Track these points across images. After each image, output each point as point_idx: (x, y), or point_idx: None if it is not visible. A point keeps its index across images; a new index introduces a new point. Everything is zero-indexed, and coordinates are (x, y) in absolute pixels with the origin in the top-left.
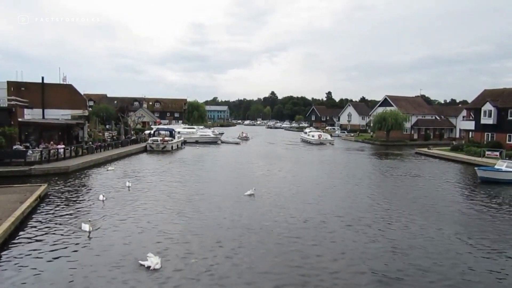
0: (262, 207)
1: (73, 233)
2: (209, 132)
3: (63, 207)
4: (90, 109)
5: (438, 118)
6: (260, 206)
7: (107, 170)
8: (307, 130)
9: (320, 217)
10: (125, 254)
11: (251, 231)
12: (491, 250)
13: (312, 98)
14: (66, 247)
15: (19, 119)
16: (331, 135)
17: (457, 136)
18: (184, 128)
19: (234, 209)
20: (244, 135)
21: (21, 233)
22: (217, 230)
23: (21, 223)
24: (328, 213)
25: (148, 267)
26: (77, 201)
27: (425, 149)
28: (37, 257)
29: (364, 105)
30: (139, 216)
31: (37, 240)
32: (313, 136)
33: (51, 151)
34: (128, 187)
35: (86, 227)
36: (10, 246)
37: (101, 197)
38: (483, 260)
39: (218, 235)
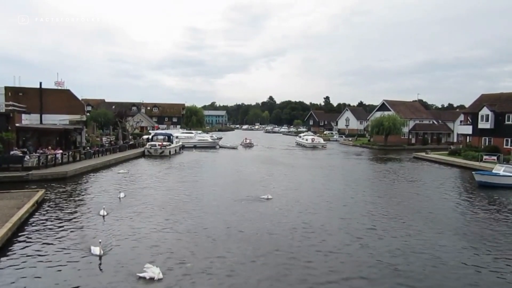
0: (262, 214)
1: (71, 241)
2: (207, 137)
3: (60, 213)
4: (88, 114)
5: (435, 122)
6: (260, 213)
7: (118, 173)
8: (301, 134)
9: (320, 224)
10: (126, 266)
11: (251, 240)
12: (490, 255)
13: (310, 103)
14: (64, 256)
15: (17, 124)
16: (329, 139)
17: (455, 140)
18: (183, 133)
19: (237, 216)
20: (247, 141)
21: (18, 239)
22: (218, 238)
23: (18, 229)
24: (328, 219)
25: (151, 278)
26: (75, 207)
27: (423, 154)
28: (35, 266)
29: (362, 110)
30: (142, 229)
31: (34, 248)
32: (306, 140)
33: (49, 156)
34: (120, 198)
35: (96, 250)
36: (7, 252)
37: (101, 212)
38: (482, 265)
39: (219, 243)
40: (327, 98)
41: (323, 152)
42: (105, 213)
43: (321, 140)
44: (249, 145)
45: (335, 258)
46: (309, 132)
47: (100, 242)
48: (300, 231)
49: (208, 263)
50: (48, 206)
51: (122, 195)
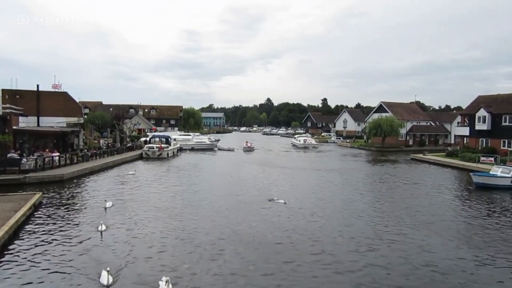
0: (265, 220)
1: (68, 242)
2: (205, 139)
3: (58, 217)
4: (86, 116)
5: (433, 124)
6: (263, 219)
7: (128, 173)
8: (296, 136)
9: (319, 227)
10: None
11: (257, 248)
12: (489, 258)
13: (308, 105)
14: (62, 260)
15: (14, 127)
16: (326, 141)
17: (452, 142)
18: (180, 135)
19: (241, 224)
20: (248, 145)
21: (15, 243)
22: (223, 248)
23: (15, 233)
24: (327, 223)
25: None
26: (72, 210)
27: (421, 155)
28: (32, 270)
29: (359, 112)
30: (143, 243)
31: (31, 251)
32: (299, 141)
33: (46, 159)
34: (106, 208)
35: (104, 277)
36: (4, 256)
37: (100, 227)
38: (479, 267)
39: (224, 254)
40: (324, 100)
41: (322, 154)
42: (104, 228)
43: (313, 141)
44: (250, 149)
45: (338, 270)
46: (307, 134)
47: (108, 271)
48: (304, 239)
49: (215, 279)
50: (46, 209)
51: (108, 204)
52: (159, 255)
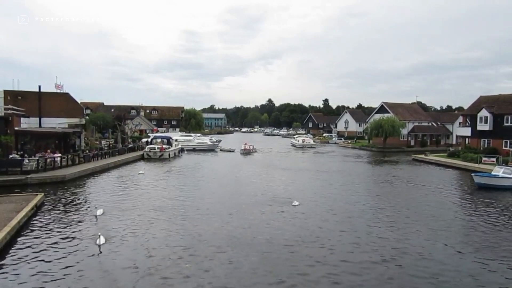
0: (268, 224)
1: (70, 244)
2: (206, 140)
3: (59, 217)
4: (87, 117)
5: (434, 124)
6: (266, 223)
7: (138, 173)
8: (295, 136)
9: (320, 229)
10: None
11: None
12: (493, 260)
13: (309, 105)
14: (63, 261)
15: (16, 128)
16: (328, 142)
17: (454, 142)
18: (182, 136)
19: (247, 230)
20: (247, 147)
21: (17, 243)
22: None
23: (17, 233)
24: (330, 223)
25: None
26: (74, 211)
27: (422, 156)
28: (33, 270)
29: (361, 112)
30: (145, 256)
31: (33, 252)
32: (298, 141)
33: (48, 160)
34: (96, 215)
35: None
36: (5, 256)
37: (98, 241)
38: (482, 269)
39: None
40: (326, 101)
41: (324, 155)
42: (104, 241)
43: (311, 141)
44: (248, 152)
45: (338, 272)
46: (308, 134)
47: None
48: (304, 241)
49: None
50: (47, 210)
51: (99, 212)
52: (164, 269)
